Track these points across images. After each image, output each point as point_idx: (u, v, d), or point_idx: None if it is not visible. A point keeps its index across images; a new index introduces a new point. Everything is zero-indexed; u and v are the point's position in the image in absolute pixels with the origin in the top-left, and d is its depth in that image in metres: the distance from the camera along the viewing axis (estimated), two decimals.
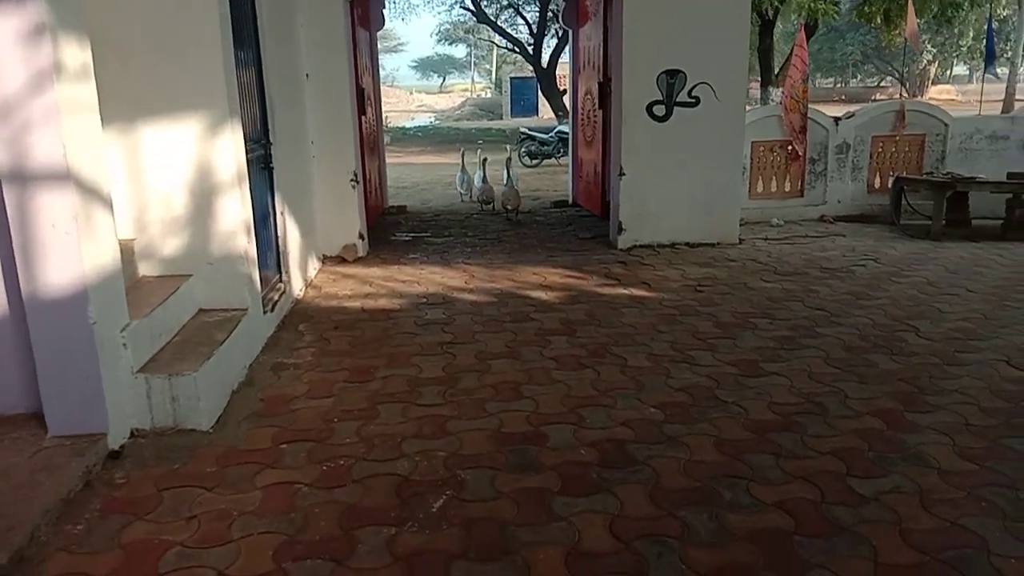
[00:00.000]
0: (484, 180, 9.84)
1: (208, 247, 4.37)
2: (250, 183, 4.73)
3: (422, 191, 12.46)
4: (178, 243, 4.34)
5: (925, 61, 42.03)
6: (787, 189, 8.58)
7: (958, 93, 43.58)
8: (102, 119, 3.89)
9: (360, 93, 8.09)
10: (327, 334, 4.97)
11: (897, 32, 17.59)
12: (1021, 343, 4.62)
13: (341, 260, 7.04)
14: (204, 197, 4.29)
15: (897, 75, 45.63)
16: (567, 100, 23.89)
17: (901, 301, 5.55)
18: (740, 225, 7.55)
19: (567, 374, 4.20)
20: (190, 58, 4.10)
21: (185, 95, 4.15)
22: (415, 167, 16.74)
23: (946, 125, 8.55)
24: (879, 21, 16.00)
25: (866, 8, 16.23)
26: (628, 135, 7.17)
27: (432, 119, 41.93)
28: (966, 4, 15.99)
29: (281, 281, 5.52)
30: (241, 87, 4.66)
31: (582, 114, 9.54)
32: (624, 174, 7.23)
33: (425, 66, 75.49)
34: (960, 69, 54.39)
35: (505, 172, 9.66)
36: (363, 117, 8.35)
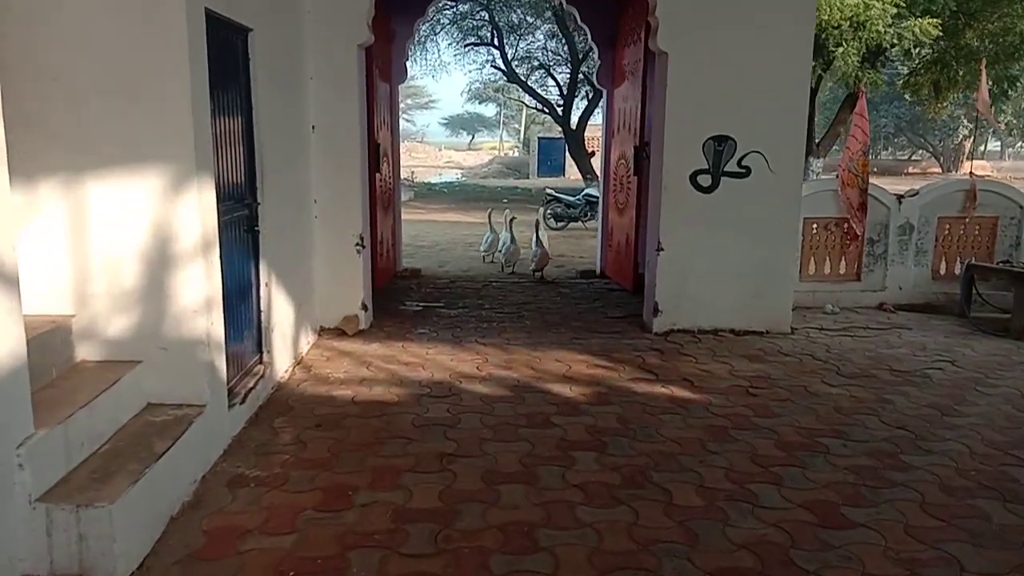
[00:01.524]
0: (512, 240, 9.44)
1: (161, 328, 3.57)
2: (225, 250, 3.98)
3: (440, 252, 11.74)
4: (126, 322, 3.56)
5: (961, 136, 41.27)
6: (842, 272, 7.71)
7: (993, 169, 42.76)
8: (42, 167, 3.19)
9: (375, 148, 7.42)
10: (306, 434, 4.13)
11: (945, 105, 16.92)
12: None
13: (340, 333, 6.24)
14: (160, 267, 3.52)
15: (930, 149, 45.06)
16: (595, 162, 23.38)
17: (996, 421, 4.61)
18: (792, 311, 6.67)
19: (596, 513, 3.31)
20: (152, 101, 3.38)
21: (144, 144, 3.41)
22: (437, 225, 16.09)
23: (1022, 208, 7.67)
24: (927, 92, 15.28)
25: (913, 79, 15.56)
26: (668, 206, 6.38)
27: (459, 176, 41.82)
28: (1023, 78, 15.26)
29: (261, 363, 4.71)
30: (219, 138, 3.94)
31: (614, 179, 8.79)
32: (662, 249, 6.41)
33: (455, 123, 76.13)
34: (992, 145, 53.68)
35: (534, 234, 9.32)
36: (377, 174, 7.67)
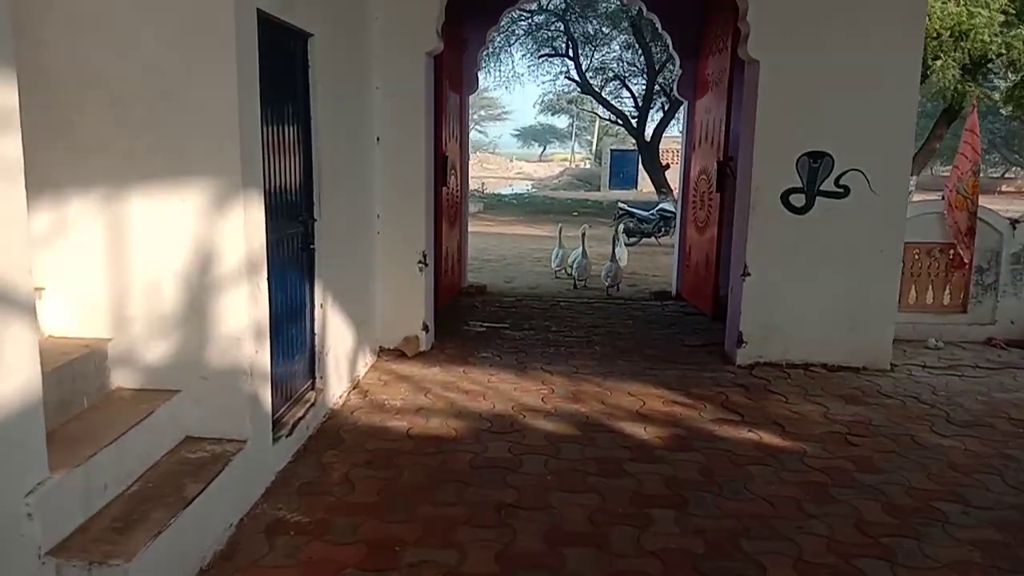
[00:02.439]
0: (584, 255, 9.19)
1: (203, 356, 3.30)
2: (276, 270, 3.70)
3: (508, 266, 11.39)
4: (165, 348, 3.29)
5: None
6: (946, 303, 6.99)
7: None
8: (79, 178, 2.95)
9: (443, 161, 7.11)
10: (355, 472, 3.79)
11: None
12: None
13: (400, 354, 5.92)
14: (202, 290, 3.24)
15: None
16: (670, 175, 22.73)
17: None
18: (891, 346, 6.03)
19: None
20: (197, 110, 3.12)
21: (187, 156, 3.15)
22: (504, 238, 15.77)
23: None
24: None
25: (1018, 92, 14.46)
26: (756, 227, 5.85)
27: (529, 187, 41.55)
28: None
29: (313, 388, 4.42)
30: (272, 150, 3.66)
31: (694, 195, 8.27)
32: (748, 274, 5.88)
33: (527, 135, 76.04)
34: None
35: (612, 248, 9.09)
36: (444, 188, 7.36)
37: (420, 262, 5.95)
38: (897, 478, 3.96)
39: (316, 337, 4.41)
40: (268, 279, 3.53)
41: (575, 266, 9.29)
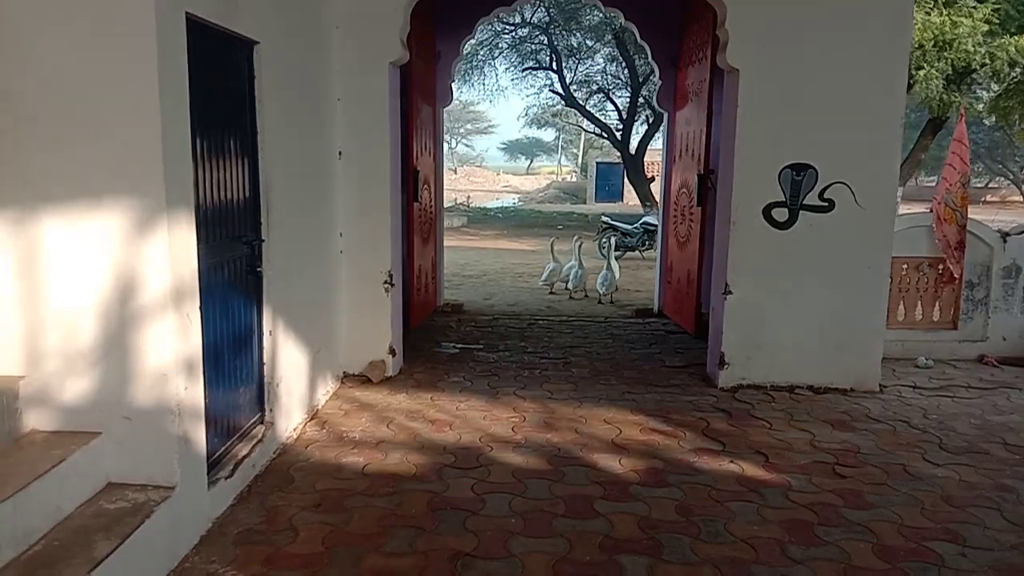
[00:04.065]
0: (580, 266, 9.55)
1: (126, 394, 2.99)
2: (217, 296, 3.40)
3: (487, 283, 11.11)
4: (84, 386, 2.98)
5: None
6: (936, 319, 6.75)
7: None
8: None
9: (413, 175, 6.84)
10: (301, 517, 3.47)
11: None
12: None
13: (366, 380, 5.61)
14: (123, 322, 2.94)
15: (1011, 176, 42.65)
16: (655, 188, 22.55)
17: None
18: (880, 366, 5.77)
19: None
20: (113, 124, 2.82)
21: (104, 175, 2.85)
22: (486, 252, 15.52)
23: None
24: (1019, 116, 14.06)
25: (1002, 102, 14.34)
26: (738, 243, 5.59)
27: (515, 200, 41.39)
28: None
29: (262, 422, 4.11)
30: (209, 166, 3.37)
31: (675, 209, 8.02)
32: (730, 292, 5.62)
33: (514, 148, 75.97)
34: None
35: (607, 259, 9.57)
36: (416, 203, 7.08)
37: (386, 282, 5.65)
38: (888, 514, 3.68)
39: (265, 367, 4.10)
40: (203, 307, 3.23)
41: (573, 278, 9.54)
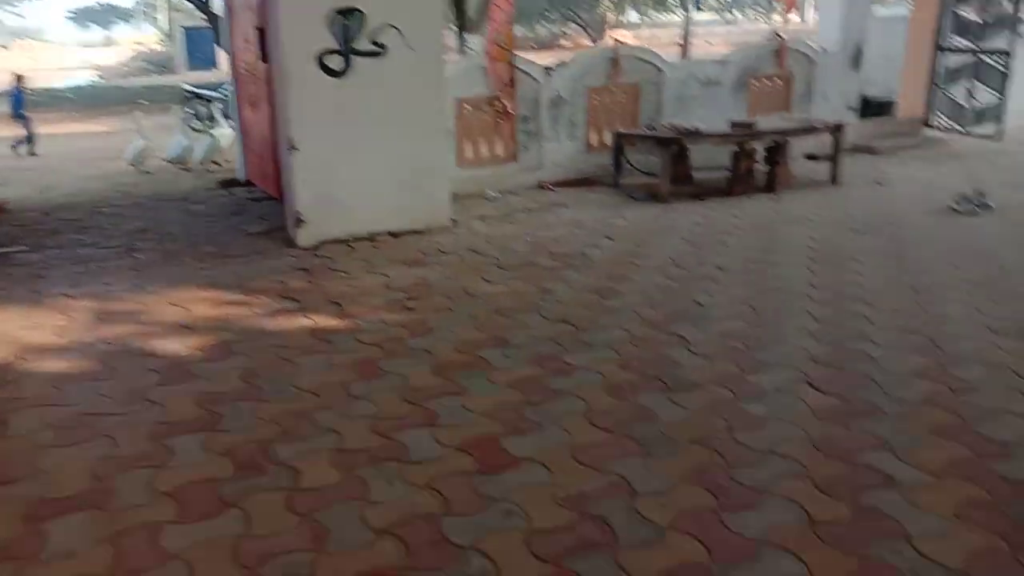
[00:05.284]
0: (187, 137, 9.18)
1: None
2: None
3: (50, 174, 9.43)
4: None
5: (604, 8, 44.30)
6: (500, 153, 7.32)
7: (634, 37, 46.68)
8: None
9: None
10: None
11: None
12: (814, 351, 3.70)
13: None
14: None
15: (580, 22, 47.84)
16: None
17: (653, 296, 4.49)
18: (452, 203, 6.12)
19: (189, 533, 2.42)
20: None
21: None
22: (52, 140, 13.14)
23: (660, 71, 7.81)
24: None
25: None
26: (296, 97, 5.33)
27: (95, 77, 35.67)
28: None
29: None
30: None
31: (244, 69, 7.42)
32: (296, 148, 5.40)
33: (84, 17, 64.68)
34: (633, 16, 58.59)
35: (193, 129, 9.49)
36: None
37: None
38: (447, 335, 3.96)
39: None
40: None
41: (176, 151, 9.10)
